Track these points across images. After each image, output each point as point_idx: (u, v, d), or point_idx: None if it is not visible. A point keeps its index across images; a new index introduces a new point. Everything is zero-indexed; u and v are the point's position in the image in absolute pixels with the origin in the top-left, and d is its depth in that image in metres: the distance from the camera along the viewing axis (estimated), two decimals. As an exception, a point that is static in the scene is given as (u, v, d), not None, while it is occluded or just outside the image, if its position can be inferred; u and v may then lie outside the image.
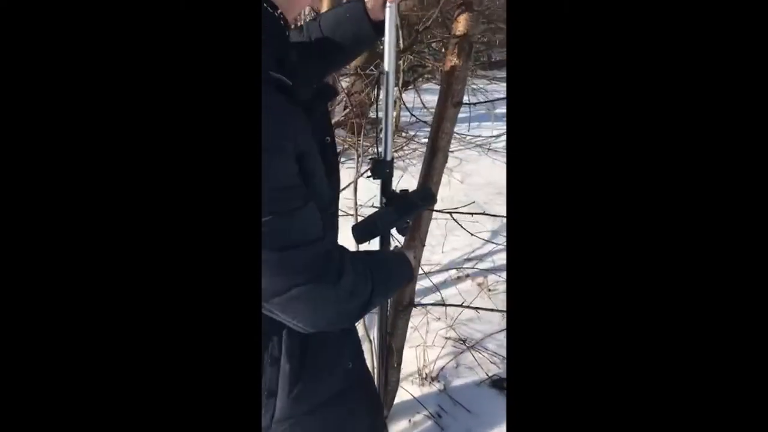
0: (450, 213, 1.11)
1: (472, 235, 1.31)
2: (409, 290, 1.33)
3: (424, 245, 1.26)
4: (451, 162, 1.03)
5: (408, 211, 0.96)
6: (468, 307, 1.34)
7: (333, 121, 2.07)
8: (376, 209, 0.97)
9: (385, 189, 1.01)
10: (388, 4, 0.83)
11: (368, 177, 0.99)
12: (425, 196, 1.03)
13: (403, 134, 4.55)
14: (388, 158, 0.98)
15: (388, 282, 0.79)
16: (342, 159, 2.01)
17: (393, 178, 1.01)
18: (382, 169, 0.99)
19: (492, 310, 1.22)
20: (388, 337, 1.40)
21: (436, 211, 1.12)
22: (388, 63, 0.87)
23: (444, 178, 1.16)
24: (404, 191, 1.02)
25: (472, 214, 1.13)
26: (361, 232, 0.91)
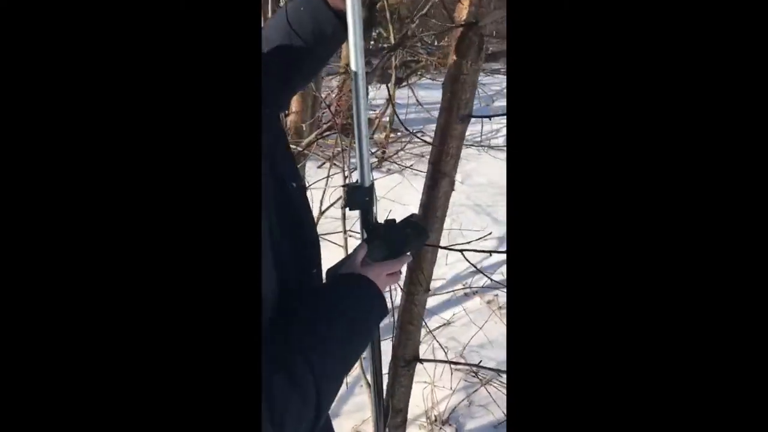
0: (462, 251, 0.87)
1: (476, 268, 1.08)
2: (413, 343, 1.09)
3: (428, 290, 1.02)
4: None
5: (396, 249, 0.76)
6: (482, 367, 1.10)
7: (319, 130, 1.82)
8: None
9: (366, 220, 0.80)
10: None
11: (344, 207, 0.78)
12: (416, 232, 0.80)
13: (398, 133, 4.31)
14: (366, 184, 0.78)
15: (346, 357, 0.60)
16: (328, 167, 1.77)
17: (376, 204, 0.81)
18: (360, 198, 0.78)
19: (498, 371, 0.98)
20: (388, 397, 1.16)
21: (441, 247, 0.88)
22: (355, 62, 0.66)
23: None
24: (390, 221, 0.81)
25: (490, 253, 0.89)
26: None
